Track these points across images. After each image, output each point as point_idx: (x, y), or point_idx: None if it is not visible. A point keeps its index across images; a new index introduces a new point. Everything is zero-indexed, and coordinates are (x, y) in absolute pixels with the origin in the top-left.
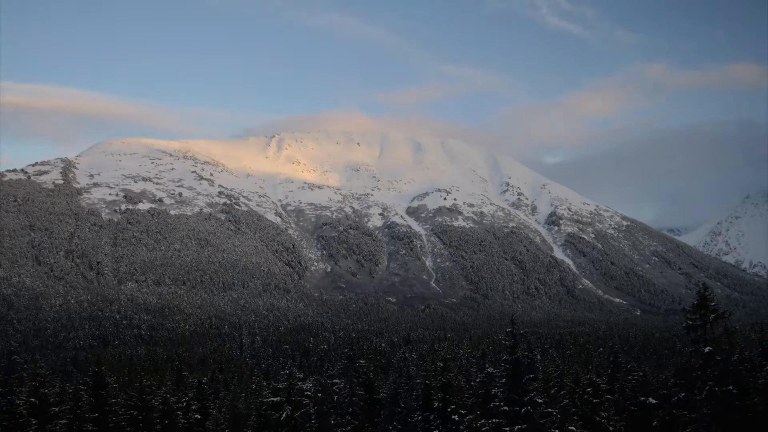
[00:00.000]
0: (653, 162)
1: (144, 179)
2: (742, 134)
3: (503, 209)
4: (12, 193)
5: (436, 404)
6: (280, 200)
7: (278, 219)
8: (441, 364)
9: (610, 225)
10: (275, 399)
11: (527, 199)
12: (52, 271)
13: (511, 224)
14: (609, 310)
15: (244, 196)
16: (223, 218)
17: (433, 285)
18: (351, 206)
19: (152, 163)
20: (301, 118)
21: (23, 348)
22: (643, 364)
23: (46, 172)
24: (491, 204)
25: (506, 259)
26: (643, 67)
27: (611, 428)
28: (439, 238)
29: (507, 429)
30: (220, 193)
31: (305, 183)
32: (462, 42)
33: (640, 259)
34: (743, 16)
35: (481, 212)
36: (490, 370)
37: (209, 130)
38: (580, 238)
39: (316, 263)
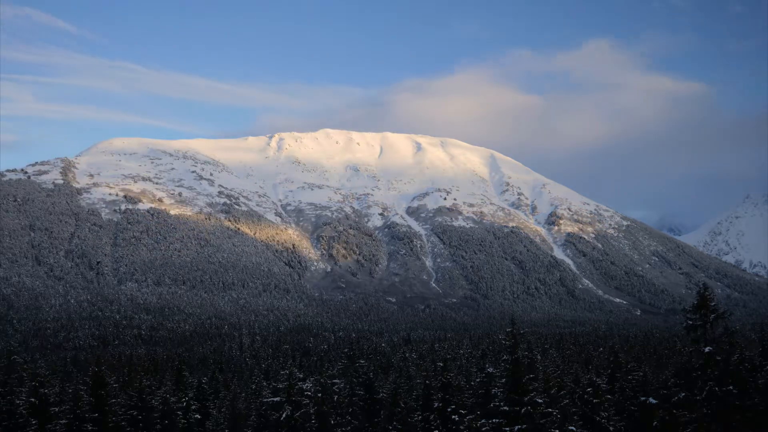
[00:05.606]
0: None
1: (144, 179)
2: None
3: (503, 209)
4: (12, 193)
5: (436, 404)
6: (280, 200)
7: (278, 219)
8: (441, 364)
9: (610, 225)
10: (275, 399)
11: (527, 198)
12: (52, 271)
13: (511, 224)
14: (609, 310)
15: (244, 196)
16: (223, 218)
17: (433, 285)
18: (351, 206)
19: (152, 163)
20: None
21: (23, 348)
22: (643, 364)
23: (45, 172)
24: (491, 204)
25: (506, 259)
26: None
27: (611, 428)
28: (439, 238)
29: (507, 429)
30: (220, 192)
31: (305, 183)
32: None
33: (640, 259)
34: None
35: (481, 212)
36: (490, 370)
37: (209, 129)
38: (580, 238)
39: (316, 263)
